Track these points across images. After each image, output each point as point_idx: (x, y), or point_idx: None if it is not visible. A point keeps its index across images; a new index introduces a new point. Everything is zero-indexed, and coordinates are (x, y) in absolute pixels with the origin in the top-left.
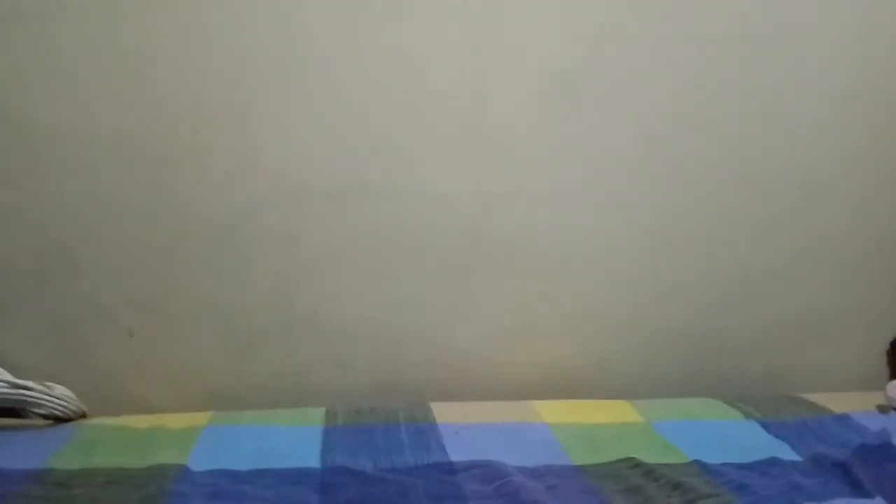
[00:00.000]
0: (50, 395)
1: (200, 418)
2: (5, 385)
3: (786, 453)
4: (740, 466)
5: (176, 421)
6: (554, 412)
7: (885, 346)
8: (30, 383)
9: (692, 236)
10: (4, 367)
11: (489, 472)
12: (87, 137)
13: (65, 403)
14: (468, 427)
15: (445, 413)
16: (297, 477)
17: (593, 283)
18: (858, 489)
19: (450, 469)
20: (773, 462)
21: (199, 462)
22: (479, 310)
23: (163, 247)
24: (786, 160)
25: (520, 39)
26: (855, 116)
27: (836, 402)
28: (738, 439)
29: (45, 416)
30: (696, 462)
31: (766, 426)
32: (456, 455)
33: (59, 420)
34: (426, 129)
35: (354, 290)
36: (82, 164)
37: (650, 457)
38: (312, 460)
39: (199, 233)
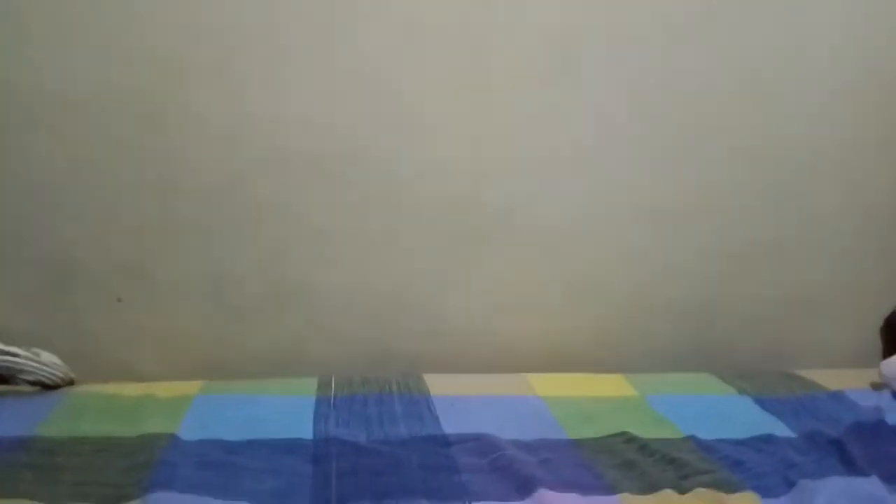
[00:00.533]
0: (37, 362)
1: (191, 387)
2: None
3: (780, 430)
4: (735, 442)
5: (166, 389)
6: (548, 385)
7: (880, 323)
8: (16, 349)
9: (689, 211)
10: None
11: (483, 445)
12: (74, 100)
13: (52, 370)
14: (462, 399)
15: (439, 385)
16: (289, 447)
17: (590, 256)
18: (853, 467)
19: (444, 441)
20: (768, 438)
21: (189, 431)
22: (475, 280)
23: (152, 212)
24: (784, 137)
25: (519, 7)
26: (854, 95)
27: (831, 379)
28: (733, 415)
29: (32, 383)
30: (691, 437)
31: (760, 402)
32: (450, 427)
33: (46, 387)
34: (422, 96)
35: (348, 258)
36: (69, 127)
37: (644, 431)
38: (305, 431)
39: (190, 198)
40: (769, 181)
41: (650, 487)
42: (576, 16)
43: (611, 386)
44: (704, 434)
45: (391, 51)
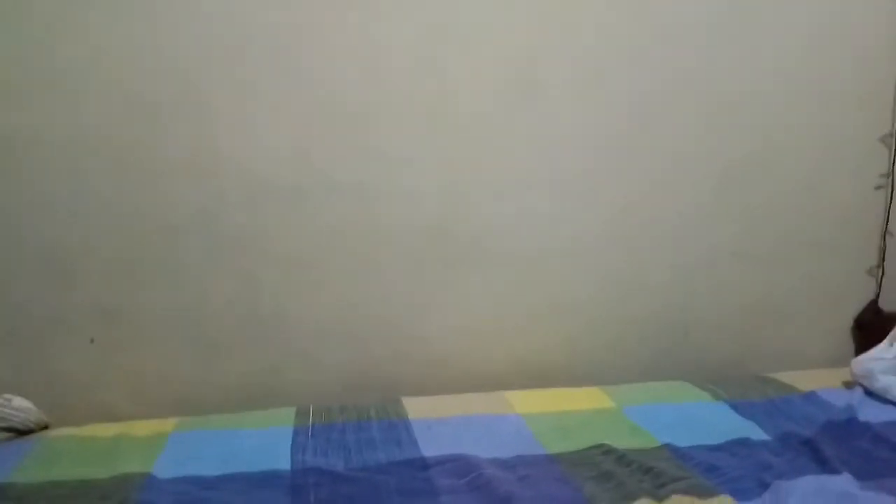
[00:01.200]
0: (8, 408)
1: (167, 424)
2: None
3: (755, 433)
4: (710, 448)
5: (141, 428)
6: (526, 402)
7: (850, 324)
8: None
9: (658, 224)
10: None
11: (461, 465)
12: (40, 140)
13: (24, 415)
14: (441, 421)
15: (418, 408)
16: (266, 479)
17: (561, 274)
18: (826, 465)
19: (422, 465)
20: (743, 442)
21: (165, 469)
22: (449, 303)
23: (122, 248)
24: (750, 149)
25: (482, 29)
26: (819, 109)
27: (804, 380)
28: (708, 421)
29: (5, 430)
30: (667, 446)
31: (735, 407)
32: (428, 450)
33: (19, 433)
34: (391, 124)
35: (321, 287)
36: (36, 167)
37: (621, 442)
38: (282, 462)
39: (159, 233)
40: (736, 191)
41: (627, 497)
42: (541, 40)
43: (588, 399)
44: (680, 441)
45: (360, 80)
